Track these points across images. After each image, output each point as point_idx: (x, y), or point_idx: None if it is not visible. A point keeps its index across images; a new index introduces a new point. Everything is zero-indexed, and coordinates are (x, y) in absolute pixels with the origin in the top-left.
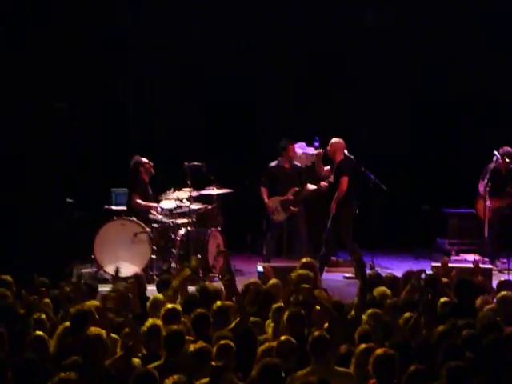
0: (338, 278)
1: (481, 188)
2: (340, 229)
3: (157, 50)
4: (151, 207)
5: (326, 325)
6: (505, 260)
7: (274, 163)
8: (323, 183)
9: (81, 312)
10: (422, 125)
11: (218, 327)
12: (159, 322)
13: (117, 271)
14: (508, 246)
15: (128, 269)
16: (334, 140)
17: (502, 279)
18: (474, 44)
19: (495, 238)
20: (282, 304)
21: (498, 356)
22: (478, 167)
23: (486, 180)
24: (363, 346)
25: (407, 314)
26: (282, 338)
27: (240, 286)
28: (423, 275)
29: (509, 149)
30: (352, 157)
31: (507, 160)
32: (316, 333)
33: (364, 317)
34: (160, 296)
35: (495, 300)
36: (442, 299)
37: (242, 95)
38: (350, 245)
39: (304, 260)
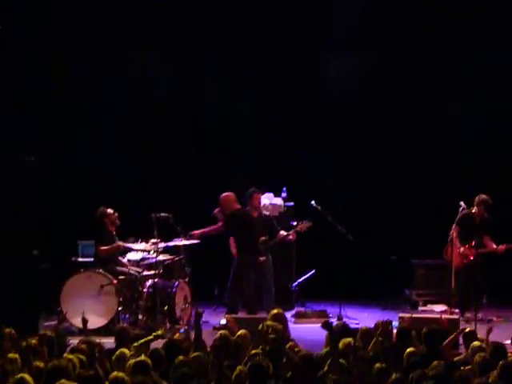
0: (306, 329)
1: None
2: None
3: None
4: (114, 247)
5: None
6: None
7: (237, 210)
8: (291, 232)
9: (57, 367)
10: (391, 177)
11: None
12: (122, 374)
13: (84, 323)
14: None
15: (95, 321)
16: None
17: (467, 329)
18: None
19: (464, 287)
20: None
21: None
22: (446, 217)
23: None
24: None
25: (378, 365)
26: None
27: (207, 338)
28: (393, 325)
29: (485, 197)
30: (319, 207)
31: (483, 208)
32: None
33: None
34: (126, 350)
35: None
36: (409, 349)
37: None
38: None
39: (274, 311)
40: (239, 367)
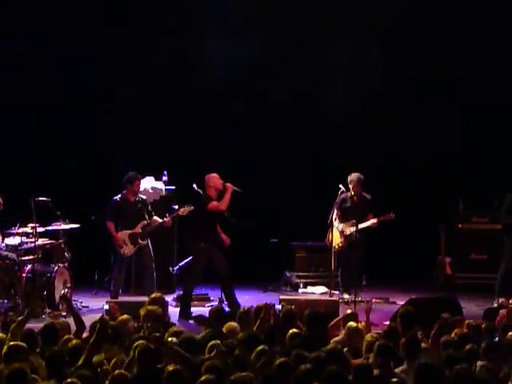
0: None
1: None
2: None
3: None
4: None
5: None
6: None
7: (117, 196)
8: (167, 219)
9: None
10: (274, 160)
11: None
12: None
13: None
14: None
15: None
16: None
17: (349, 311)
18: None
19: (345, 267)
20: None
21: None
22: (326, 200)
23: (335, 210)
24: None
25: (260, 347)
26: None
27: (87, 323)
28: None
29: (356, 174)
30: (200, 191)
31: (357, 186)
32: (170, 368)
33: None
34: (2, 335)
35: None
36: (291, 331)
37: (90, 127)
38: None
39: (153, 295)
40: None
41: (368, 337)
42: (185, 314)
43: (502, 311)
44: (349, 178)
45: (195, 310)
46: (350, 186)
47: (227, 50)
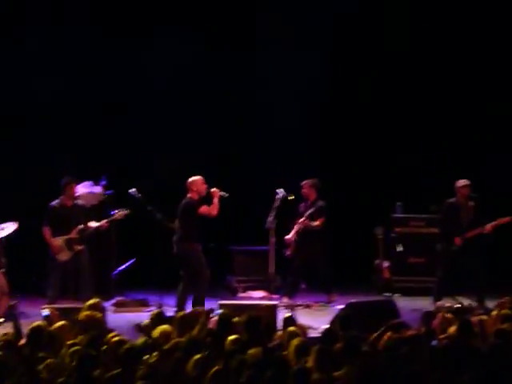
0: (126, 318)
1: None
2: None
3: None
4: None
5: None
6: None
7: (55, 202)
8: (103, 223)
9: None
10: (211, 163)
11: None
12: None
13: None
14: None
15: None
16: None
17: (287, 315)
18: None
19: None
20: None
21: None
22: (265, 204)
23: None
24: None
25: (197, 356)
26: None
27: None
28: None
29: (314, 180)
30: (139, 195)
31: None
32: (109, 374)
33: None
34: None
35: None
36: (231, 336)
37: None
38: None
39: (91, 301)
40: (50, 360)
41: (295, 341)
42: None
43: (440, 315)
44: (304, 183)
45: (133, 315)
46: (305, 191)
47: (173, 53)
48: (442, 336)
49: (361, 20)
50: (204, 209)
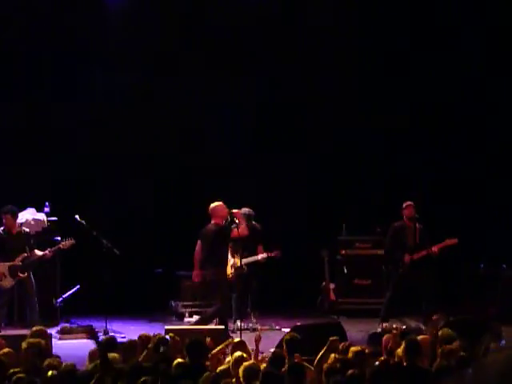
0: (71, 345)
1: None
2: None
3: None
4: None
5: None
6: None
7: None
8: (47, 252)
9: None
10: (157, 190)
11: None
12: None
13: None
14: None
15: None
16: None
17: (236, 340)
18: None
19: (238, 297)
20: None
21: None
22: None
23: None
24: None
25: (143, 378)
26: None
27: None
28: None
29: (245, 210)
30: (83, 222)
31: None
32: None
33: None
34: None
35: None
36: (176, 360)
37: None
38: None
39: (34, 328)
40: None
41: (244, 365)
42: None
43: (387, 336)
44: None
45: (79, 342)
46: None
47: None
48: (387, 357)
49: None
50: (235, 233)
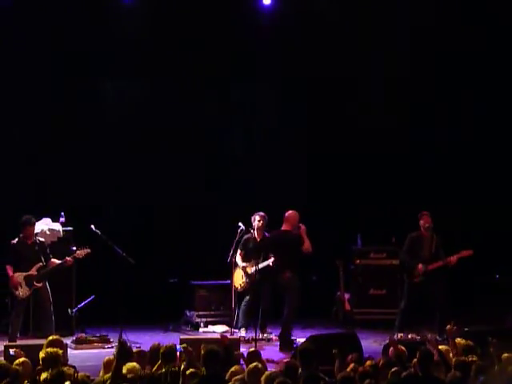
0: (86, 355)
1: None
2: None
3: None
4: None
5: None
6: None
7: (15, 240)
8: (69, 259)
9: None
10: (167, 202)
11: None
12: None
13: None
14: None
15: None
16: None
17: (251, 349)
18: None
19: (248, 307)
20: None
21: None
22: (224, 238)
23: (239, 250)
24: None
25: None
26: None
27: None
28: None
29: (261, 214)
30: (98, 231)
31: (261, 223)
32: None
33: None
34: None
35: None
36: (189, 370)
37: None
38: None
39: (51, 338)
40: None
41: (266, 374)
42: (287, 342)
43: (393, 347)
44: (252, 218)
45: (94, 352)
46: (255, 226)
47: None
48: (399, 368)
49: None
50: (307, 245)
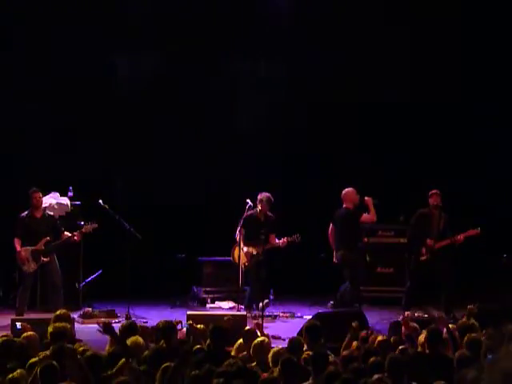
0: (94, 329)
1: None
2: None
3: None
4: None
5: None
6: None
7: (24, 213)
8: (76, 233)
9: None
10: (183, 176)
11: None
12: None
13: None
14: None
15: None
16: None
17: (247, 327)
18: None
19: (253, 284)
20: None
21: None
22: (232, 215)
23: (239, 227)
24: None
25: (167, 364)
26: None
27: None
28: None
29: (266, 194)
30: (106, 206)
31: (266, 205)
32: None
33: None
34: None
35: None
36: (196, 346)
37: None
38: None
39: (58, 312)
40: (18, 370)
41: (274, 350)
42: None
43: (406, 324)
44: (259, 197)
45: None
46: (259, 206)
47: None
48: (407, 346)
49: None
50: (365, 217)
